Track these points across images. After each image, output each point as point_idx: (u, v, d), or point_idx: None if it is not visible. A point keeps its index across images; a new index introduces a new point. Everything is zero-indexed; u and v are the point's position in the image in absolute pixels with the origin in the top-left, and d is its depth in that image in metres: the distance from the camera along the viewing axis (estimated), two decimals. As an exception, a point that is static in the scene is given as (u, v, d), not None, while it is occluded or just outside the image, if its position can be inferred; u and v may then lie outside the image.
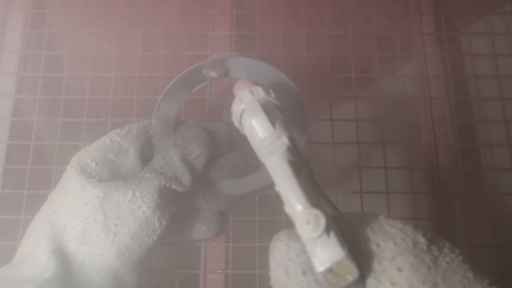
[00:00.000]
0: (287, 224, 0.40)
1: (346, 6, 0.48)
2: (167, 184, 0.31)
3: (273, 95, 0.29)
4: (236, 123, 0.30)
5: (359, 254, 0.22)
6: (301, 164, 0.24)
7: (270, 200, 0.42)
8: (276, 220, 0.41)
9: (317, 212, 0.21)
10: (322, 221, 0.21)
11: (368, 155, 0.45)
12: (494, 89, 0.46)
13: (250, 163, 0.38)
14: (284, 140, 0.25)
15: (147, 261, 0.34)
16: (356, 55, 0.46)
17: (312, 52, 0.46)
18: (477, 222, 0.42)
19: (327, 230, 0.21)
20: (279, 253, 0.24)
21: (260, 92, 0.28)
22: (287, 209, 0.22)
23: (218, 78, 0.32)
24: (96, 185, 0.30)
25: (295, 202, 0.22)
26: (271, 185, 0.34)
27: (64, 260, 0.29)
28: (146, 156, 0.33)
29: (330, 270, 0.21)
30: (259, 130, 0.27)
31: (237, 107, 0.29)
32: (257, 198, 0.41)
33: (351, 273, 0.21)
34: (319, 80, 0.47)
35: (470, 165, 0.44)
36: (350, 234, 0.23)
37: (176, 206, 0.33)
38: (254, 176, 0.37)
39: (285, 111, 0.33)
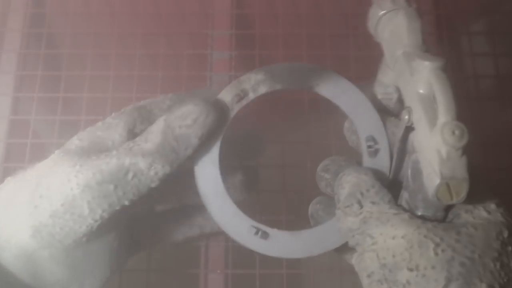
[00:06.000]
0: (287, 225, 0.40)
1: (347, 5, 0.49)
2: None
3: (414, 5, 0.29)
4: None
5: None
6: None
7: (271, 200, 0.42)
8: (276, 220, 0.41)
9: (463, 126, 0.22)
10: (466, 135, 0.22)
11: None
12: (494, 89, 0.46)
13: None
14: (440, 58, 0.26)
15: (92, 259, 0.28)
16: (356, 55, 0.46)
17: (312, 52, 0.46)
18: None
19: (465, 150, 0.22)
20: (349, 184, 0.26)
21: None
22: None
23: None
24: (60, 155, 0.27)
25: (445, 112, 0.22)
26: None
27: None
28: (137, 132, 0.29)
29: (446, 184, 0.22)
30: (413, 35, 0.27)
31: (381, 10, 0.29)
32: (258, 198, 0.41)
33: (460, 195, 0.22)
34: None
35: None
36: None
37: (171, 205, 0.32)
38: None
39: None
